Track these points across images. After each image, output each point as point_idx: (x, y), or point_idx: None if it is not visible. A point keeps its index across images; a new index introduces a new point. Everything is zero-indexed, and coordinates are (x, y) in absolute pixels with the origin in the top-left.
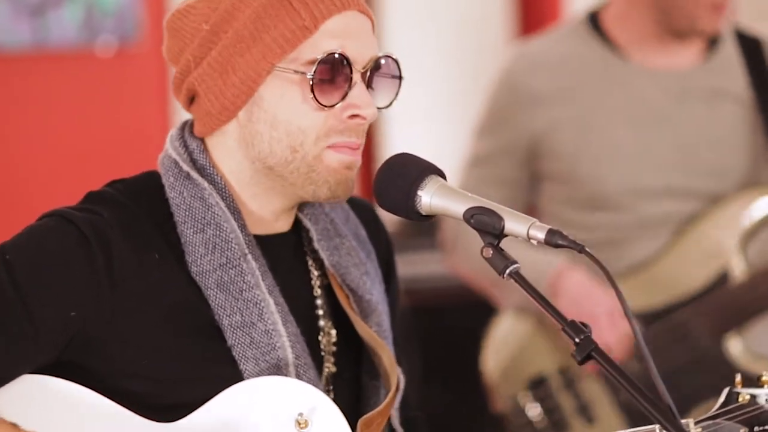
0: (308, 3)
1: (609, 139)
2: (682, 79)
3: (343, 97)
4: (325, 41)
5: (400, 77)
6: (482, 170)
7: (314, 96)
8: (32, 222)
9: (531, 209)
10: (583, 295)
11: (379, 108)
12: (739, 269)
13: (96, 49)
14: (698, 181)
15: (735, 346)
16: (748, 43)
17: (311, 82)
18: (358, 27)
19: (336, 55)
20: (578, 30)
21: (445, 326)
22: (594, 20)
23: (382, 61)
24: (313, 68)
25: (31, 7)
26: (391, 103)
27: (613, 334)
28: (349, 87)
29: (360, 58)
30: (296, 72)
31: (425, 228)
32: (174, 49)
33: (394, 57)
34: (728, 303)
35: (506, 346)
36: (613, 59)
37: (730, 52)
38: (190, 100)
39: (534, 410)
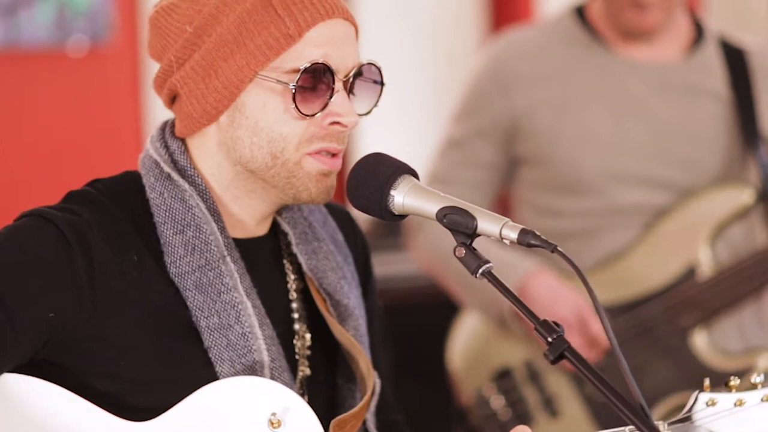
0: (293, 11)
1: (585, 123)
2: (663, 72)
3: (324, 106)
4: (308, 49)
5: (381, 83)
6: (458, 153)
7: (296, 106)
8: (6, 220)
9: (507, 196)
10: (553, 297)
11: (360, 114)
12: (706, 265)
13: (68, 48)
14: (672, 173)
15: (700, 341)
16: (731, 51)
17: (293, 92)
18: (341, 35)
19: (319, 65)
20: (565, 22)
21: (414, 325)
22: (581, 13)
23: (365, 69)
24: (296, 78)
25: (3, 6)
26: (371, 110)
27: (581, 337)
28: (331, 96)
29: (343, 66)
30: (279, 82)
31: (395, 228)
32: (156, 46)
33: (377, 65)
34: (694, 298)
35: (472, 338)
36: (597, 48)
37: (711, 54)
38: (172, 100)
39: (498, 402)
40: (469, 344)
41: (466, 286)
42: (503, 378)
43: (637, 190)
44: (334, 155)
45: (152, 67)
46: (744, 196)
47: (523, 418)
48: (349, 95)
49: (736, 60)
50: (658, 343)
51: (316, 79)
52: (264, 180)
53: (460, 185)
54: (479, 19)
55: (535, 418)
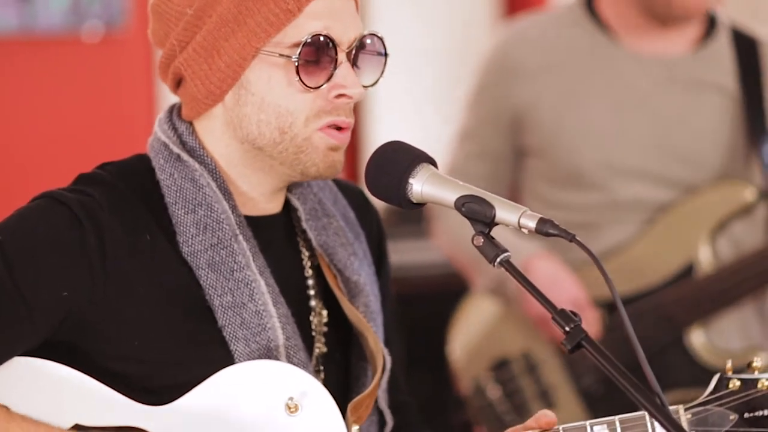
0: None
1: (587, 115)
2: (669, 66)
3: (329, 78)
4: (309, 23)
5: (385, 54)
6: (469, 144)
7: (300, 78)
8: (19, 204)
9: (514, 187)
10: (551, 283)
11: (365, 86)
12: (706, 262)
13: (82, 34)
14: (673, 168)
15: (697, 339)
16: (743, 42)
17: (296, 65)
18: (341, 7)
19: (320, 37)
20: (573, 11)
21: (426, 314)
22: (589, 4)
23: (367, 40)
24: (298, 51)
25: None
26: (377, 81)
27: None
28: (335, 68)
29: (344, 38)
30: (281, 56)
31: (410, 216)
32: (159, 32)
33: (378, 35)
34: (692, 294)
35: (473, 327)
36: (603, 41)
37: (722, 46)
38: (177, 84)
39: (495, 392)
40: (469, 334)
41: (476, 268)
42: (501, 368)
43: (637, 185)
44: (341, 129)
45: None
46: (746, 193)
47: (520, 408)
48: (353, 67)
49: (747, 52)
50: (653, 340)
51: (319, 52)
52: (272, 157)
53: (476, 180)
54: (493, 5)
55: (531, 409)
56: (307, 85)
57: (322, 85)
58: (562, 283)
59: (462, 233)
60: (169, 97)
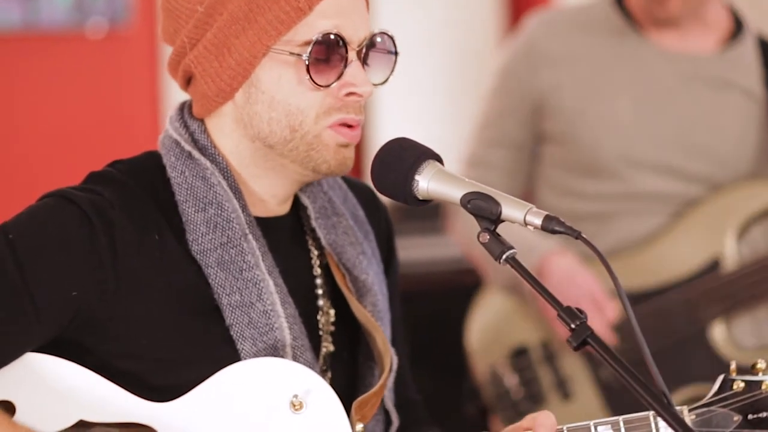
0: None
1: (609, 106)
2: (694, 64)
3: (339, 77)
4: (319, 21)
5: (395, 53)
6: (490, 131)
7: (310, 77)
8: (23, 200)
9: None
10: (567, 279)
11: (375, 84)
12: (731, 259)
13: (86, 30)
14: (692, 164)
15: (719, 334)
16: None
17: (307, 63)
18: (352, 5)
19: (331, 36)
20: (602, 4)
21: (432, 310)
22: None
23: (378, 39)
24: (309, 49)
25: None
26: (387, 79)
27: (596, 319)
28: (345, 66)
29: (355, 37)
30: (292, 54)
31: (415, 212)
32: (169, 29)
33: (389, 33)
34: (716, 291)
35: (491, 316)
36: (630, 33)
37: (747, 50)
38: (187, 81)
39: (512, 380)
40: (487, 322)
41: (496, 267)
42: (519, 357)
43: (655, 178)
44: (352, 126)
45: (170, 50)
46: None
47: (536, 397)
48: (363, 65)
49: None
50: (675, 334)
51: (330, 50)
52: (282, 155)
53: (495, 169)
54: (498, 3)
55: (548, 399)
56: (317, 84)
57: (332, 84)
58: (579, 278)
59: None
60: (173, 94)
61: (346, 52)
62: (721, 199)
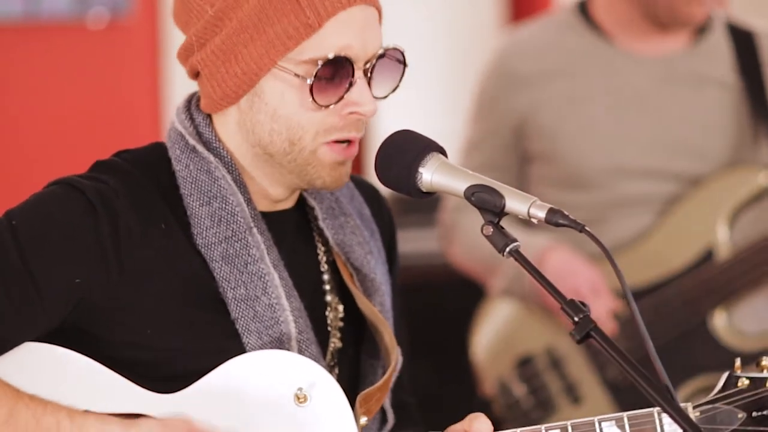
0: (314, 0)
1: (589, 118)
2: (667, 65)
3: (341, 98)
4: (328, 39)
5: (404, 63)
6: (475, 156)
7: (313, 99)
8: (23, 191)
9: None
10: (567, 270)
11: (378, 98)
12: (724, 247)
13: (87, 21)
14: (678, 163)
15: (719, 322)
16: (740, 35)
17: (311, 85)
18: (363, 21)
19: (340, 59)
20: (567, 17)
21: (435, 303)
22: (583, 8)
23: (387, 52)
24: (314, 72)
25: None
26: (391, 93)
27: (597, 308)
28: (350, 86)
29: (363, 54)
30: (296, 75)
31: (415, 205)
32: (181, 17)
33: (400, 48)
34: (712, 280)
35: (495, 327)
36: (599, 44)
37: (718, 40)
38: (195, 74)
39: (520, 390)
40: (492, 334)
41: (492, 270)
42: (525, 366)
43: (642, 182)
44: (350, 143)
45: (171, 41)
46: (760, 177)
47: (546, 405)
48: (369, 80)
49: (744, 44)
50: (677, 327)
51: (335, 71)
52: (281, 165)
53: None
54: (498, 3)
55: (558, 405)
56: (319, 104)
57: (333, 104)
58: (578, 269)
59: (477, 243)
60: (174, 85)
61: (353, 73)
62: (708, 189)
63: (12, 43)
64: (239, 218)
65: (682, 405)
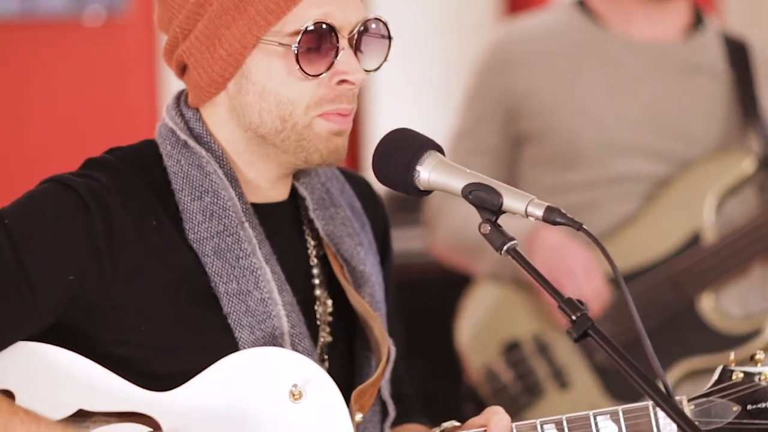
0: None
1: (583, 97)
2: (661, 51)
3: (330, 66)
4: (309, 10)
5: (389, 38)
6: (467, 141)
7: (300, 67)
8: (20, 189)
9: (511, 179)
10: (558, 250)
11: (367, 71)
12: (710, 232)
13: (84, 18)
14: (668, 144)
15: (707, 305)
16: (732, 44)
17: (296, 54)
18: None
19: (321, 25)
20: (563, 6)
21: (424, 302)
22: (580, 1)
23: (372, 24)
24: (298, 39)
25: None
26: (380, 66)
27: (589, 286)
28: (336, 55)
29: (346, 23)
30: (281, 44)
31: (409, 203)
32: (163, 18)
33: (382, 19)
34: (699, 264)
35: (480, 313)
36: (594, 29)
37: (711, 40)
38: (182, 70)
39: (507, 375)
40: (476, 320)
41: (482, 253)
42: (512, 351)
43: (634, 160)
44: (344, 116)
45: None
46: (746, 163)
47: (533, 390)
48: (356, 52)
49: (736, 50)
50: (665, 311)
51: (320, 39)
52: (275, 145)
53: None
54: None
55: (546, 390)
56: (307, 73)
57: (322, 73)
58: (570, 249)
59: (465, 224)
60: (171, 82)
61: (337, 40)
62: (695, 173)
63: (9, 40)
64: (231, 213)
65: (677, 398)
